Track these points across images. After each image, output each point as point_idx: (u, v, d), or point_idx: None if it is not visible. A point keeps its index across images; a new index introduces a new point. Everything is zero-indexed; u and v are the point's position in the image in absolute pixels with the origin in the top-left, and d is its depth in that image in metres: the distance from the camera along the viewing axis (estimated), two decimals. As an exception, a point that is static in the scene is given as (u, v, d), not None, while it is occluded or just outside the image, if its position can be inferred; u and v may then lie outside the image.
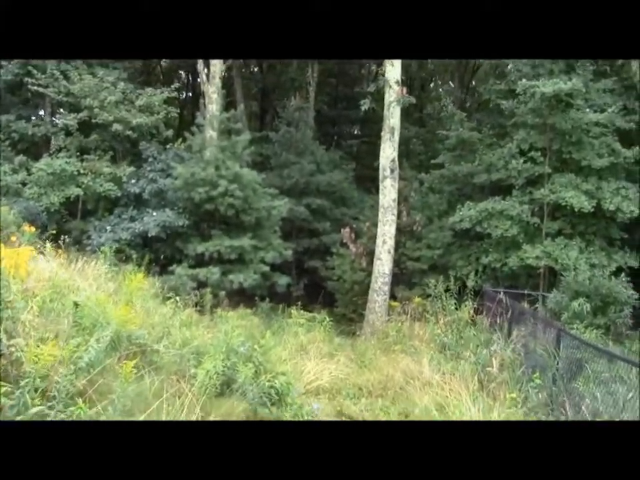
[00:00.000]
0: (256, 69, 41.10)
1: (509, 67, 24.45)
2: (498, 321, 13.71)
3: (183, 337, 9.78)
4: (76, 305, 7.55)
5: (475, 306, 15.55)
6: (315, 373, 11.89)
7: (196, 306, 15.57)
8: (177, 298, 13.00)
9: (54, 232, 17.33)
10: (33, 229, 14.55)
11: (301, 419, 8.75)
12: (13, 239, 12.93)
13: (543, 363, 11.10)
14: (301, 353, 13.41)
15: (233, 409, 8.04)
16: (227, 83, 37.18)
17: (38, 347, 5.90)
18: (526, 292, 16.85)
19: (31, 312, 7.15)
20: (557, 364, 10.48)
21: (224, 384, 8.52)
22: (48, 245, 11.43)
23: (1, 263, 6.82)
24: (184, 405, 7.16)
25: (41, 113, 24.21)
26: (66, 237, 16.53)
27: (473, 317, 15.04)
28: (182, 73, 42.20)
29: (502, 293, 14.68)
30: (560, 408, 9.67)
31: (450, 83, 39.81)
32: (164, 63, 40.73)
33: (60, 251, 13.20)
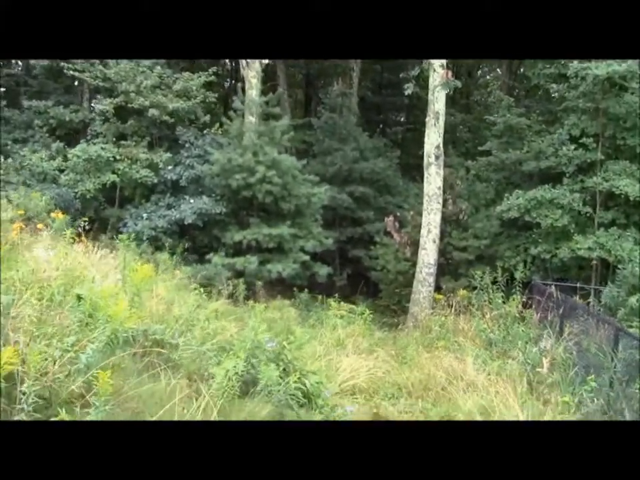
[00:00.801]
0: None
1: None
2: (548, 316, 12.71)
3: (207, 331, 8.99)
4: (79, 298, 6.77)
5: (524, 299, 14.55)
6: (351, 371, 11.00)
7: (231, 297, 14.91)
8: (202, 289, 12.23)
9: (86, 219, 16.81)
10: (62, 215, 13.93)
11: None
12: (40, 226, 12.39)
13: (597, 363, 10.13)
14: (338, 348, 12.55)
15: (256, 412, 7.20)
16: (270, 71, 36.73)
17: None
18: (578, 285, 15.80)
19: (31, 305, 6.43)
20: (615, 366, 9.47)
21: (248, 384, 7.69)
22: (68, 232, 10.70)
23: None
24: (200, 407, 6.38)
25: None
26: (96, 224, 15.94)
27: (521, 311, 14.02)
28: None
29: (552, 285, 13.68)
30: (618, 414, 8.69)
31: (497, 70, 38.79)
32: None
33: (83, 238, 12.49)
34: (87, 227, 14.69)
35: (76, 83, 24.08)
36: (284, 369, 8.20)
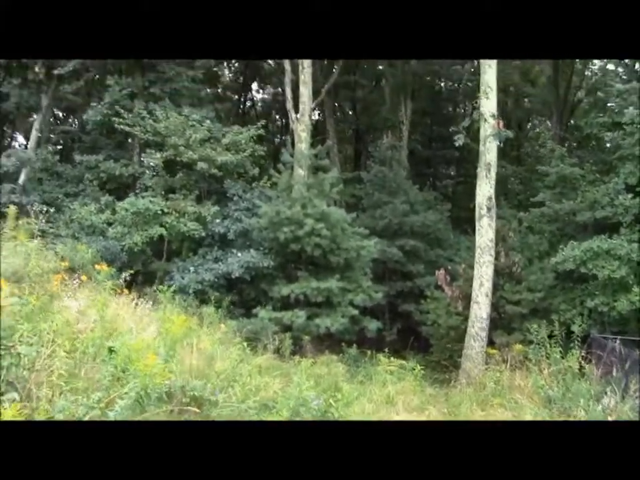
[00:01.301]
0: (350, 112, 40.41)
1: (612, 97, 22.69)
2: (611, 372, 11.93)
3: (249, 387, 8.47)
4: (110, 350, 6.33)
5: (583, 354, 13.75)
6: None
7: (277, 352, 14.43)
8: (247, 344, 11.74)
9: (132, 271, 16.63)
10: (107, 267, 13.70)
11: None
12: (84, 277, 12.16)
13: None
14: (388, 406, 11.91)
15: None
16: (320, 126, 36.74)
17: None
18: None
19: (60, 357, 6.02)
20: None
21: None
22: (109, 283, 10.42)
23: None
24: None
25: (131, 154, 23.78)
26: (142, 277, 15.69)
27: (581, 367, 13.23)
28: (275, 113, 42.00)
29: (614, 340, 12.90)
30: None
31: (547, 122, 38.31)
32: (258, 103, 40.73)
33: (125, 290, 12.20)
34: (133, 280, 14.56)
35: (129, 140, 24.14)
36: (331, 429, 7.64)
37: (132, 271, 17.22)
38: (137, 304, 11.85)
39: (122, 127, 20.82)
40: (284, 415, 6.88)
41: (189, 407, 6.95)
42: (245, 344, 12.51)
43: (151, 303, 13.05)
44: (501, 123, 18.76)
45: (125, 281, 13.25)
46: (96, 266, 13.67)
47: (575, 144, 31.77)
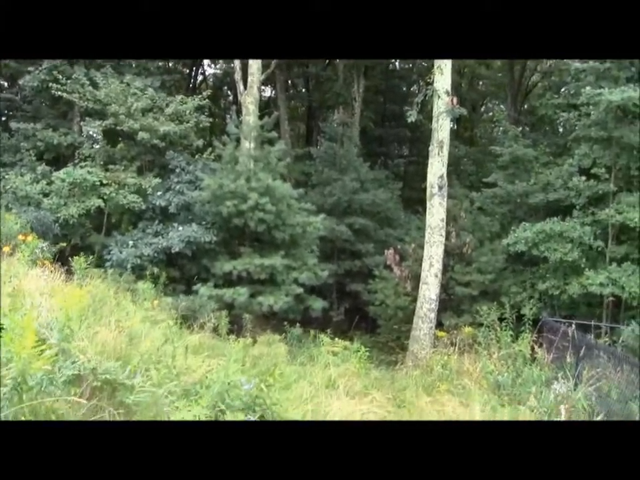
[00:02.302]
0: (303, 89, 39.61)
1: (569, 77, 22.20)
2: (564, 357, 11.32)
3: (174, 369, 7.62)
4: (-1, 329, 5.42)
5: (534, 338, 13.19)
6: (341, 417, 9.56)
7: (215, 330, 13.63)
8: (183, 322, 10.92)
9: (64, 244, 15.68)
10: (32, 239, 12.78)
11: None
12: (6, 249, 11.28)
13: (621, 411, 8.80)
14: (329, 390, 11.14)
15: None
16: (272, 104, 35.95)
17: None
18: (592, 323, 14.43)
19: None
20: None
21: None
22: (26, 255, 9.54)
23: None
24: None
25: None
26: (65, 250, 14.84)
27: (533, 351, 12.63)
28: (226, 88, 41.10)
29: (567, 323, 12.33)
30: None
31: (501, 105, 38.02)
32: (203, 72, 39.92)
33: (48, 263, 11.31)
34: (72, 254, 13.74)
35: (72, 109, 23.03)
36: (261, 416, 6.83)
37: (64, 244, 16.35)
38: (61, 278, 10.91)
39: (59, 93, 19.66)
40: (203, 403, 6.04)
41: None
42: (180, 322, 11.79)
43: (82, 277, 12.21)
44: (455, 100, 18.20)
45: (59, 254, 12.48)
46: (24, 237, 12.80)
47: (528, 127, 31.36)
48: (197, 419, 5.81)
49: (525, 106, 36.54)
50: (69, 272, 12.85)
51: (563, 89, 25.92)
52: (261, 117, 20.90)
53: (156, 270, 16.76)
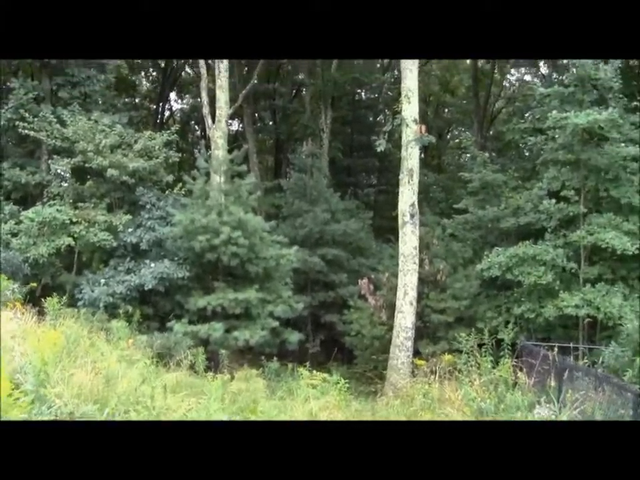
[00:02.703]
0: (270, 122, 39.64)
1: (534, 102, 22.40)
2: (550, 381, 11.20)
3: (154, 410, 7.41)
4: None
5: (514, 363, 13.08)
6: (325, 451, 9.41)
7: (191, 368, 13.38)
8: (158, 360, 10.69)
9: (34, 285, 15.38)
10: (2, 280, 12.51)
11: None
12: None
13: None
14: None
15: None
16: (239, 137, 35.91)
17: None
18: (571, 345, 14.38)
19: None
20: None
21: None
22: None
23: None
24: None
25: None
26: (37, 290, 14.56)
27: (515, 376, 12.52)
28: (193, 123, 41.06)
29: (546, 347, 12.26)
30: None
31: (467, 132, 38.27)
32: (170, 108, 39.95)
33: (18, 304, 11.05)
34: (43, 294, 13.48)
35: (39, 148, 22.72)
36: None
37: (35, 284, 16.06)
38: (33, 319, 10.66)
39: (27, 131, 19.38)
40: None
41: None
42: (156, 360, 11.56)
43: (55, 318, 11.96)
44: (423, 128, 18.31)
45: (29, 294, 12.21)
46: (-7, 279, 12.54)
47: (495, 153, 31.56)
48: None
49: (491, 132, 36.86)
50: (41, 313, 12.61)
51: (527, 114, 26.23)
52: (230, 151, 20.84)
53: (129, 308, 16.56)
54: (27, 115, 19.68)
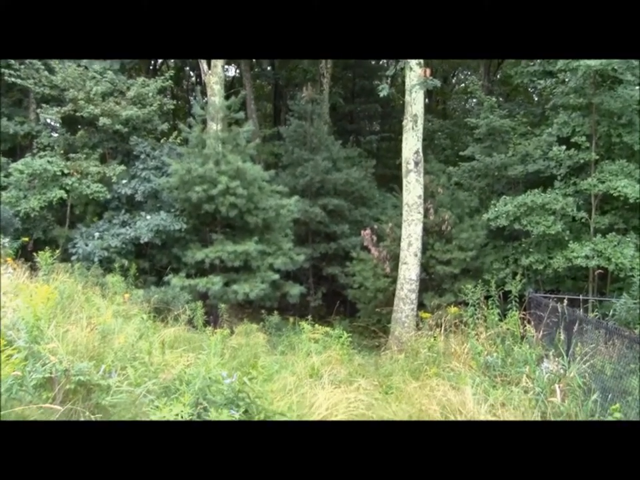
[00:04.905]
0: (269, 68, 39.23)
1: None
2: (560, 335, 11.22)
3: (151, 365, 7.44)
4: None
5: (521, 315, 13.11)
6: (328, 407, 9.42)
7: (190, 323, 13.44)
8: (155, 315, 10.72)
9: (26, 239, 15.37)
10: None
11: None
12: None
13: (616, 387, 8.73)
14: (313, 379, 11.00)
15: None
16: (237, 84, 35.57)
17: None
18: (581, 297, 14.38)
19: None
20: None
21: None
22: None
23: None
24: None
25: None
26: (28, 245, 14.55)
27: (524, 329, 12.54)
28: (189, 70, 40.61)
29: (555, 299, 12.25)
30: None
31: (473, 76, 37.90)
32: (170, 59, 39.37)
33: (9, 260, 11.05)
34: (35, 249, 13.46)
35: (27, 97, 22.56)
36: (245, 411, 6.67)
37: (26, 239, 16.07)
38: (25, 275, 10.67)
39: (13, 79, 19.17)
40: (185, 400, 5.87)
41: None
42: (153, 315, 11.60)
43: (48, 273, 11.97)
44: (428, 71, 17.99)
45: (21, 249, 12.19)
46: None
47: (502, 98, 31.33)
48: (180, 418, 5.66)
49: (499, 75, 36.47)
50: (33, 268, 12.63)
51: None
52: (226, 98, 20.63)
53: (125, 262, 16.61)
54: (12, 61, 19.42)
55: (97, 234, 17.45)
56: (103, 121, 18.47)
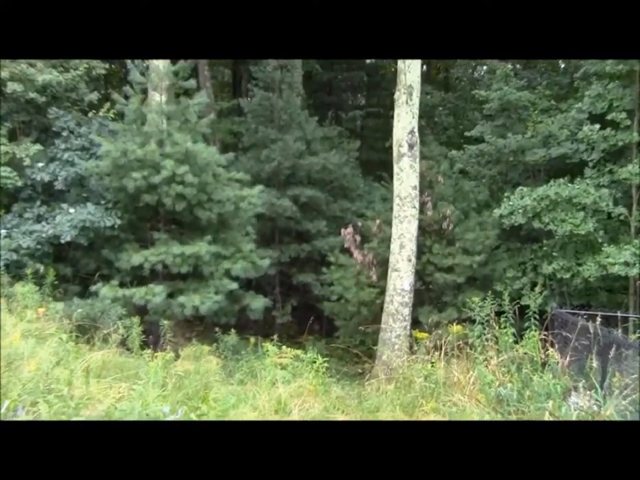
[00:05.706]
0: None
1: None
2: (589, 361, 11.24)
3: (73, 399, 7.33)
4: None
5: (542, 337, 13.12)
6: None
7: (123, 344, 13.32)
8: (63, 336, 10.62)
9: None
10: None
11: None
12: None
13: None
14: (280, 415, 10.95)
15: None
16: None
17: None
18: (619, 314, 14.44)
19: None
20: None
21: None
22: None
23: None
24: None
25: None
26: None
27: (546, 354, 12.56)
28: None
29: (586, 316, 12.27)
30: None
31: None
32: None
33: None
34: None
35: None
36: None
37: None
38: None
39: None
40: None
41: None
42: (76, 335, 11.51)
43: None
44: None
45: None
46: None
47: (519, 64, 31.53)
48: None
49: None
50: None
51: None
52: (173, 62, 20.55)
53: (40, 267, 16.38)
54: None
55: (3, 232, 17.20)
56: (12, 86, 18.18)
